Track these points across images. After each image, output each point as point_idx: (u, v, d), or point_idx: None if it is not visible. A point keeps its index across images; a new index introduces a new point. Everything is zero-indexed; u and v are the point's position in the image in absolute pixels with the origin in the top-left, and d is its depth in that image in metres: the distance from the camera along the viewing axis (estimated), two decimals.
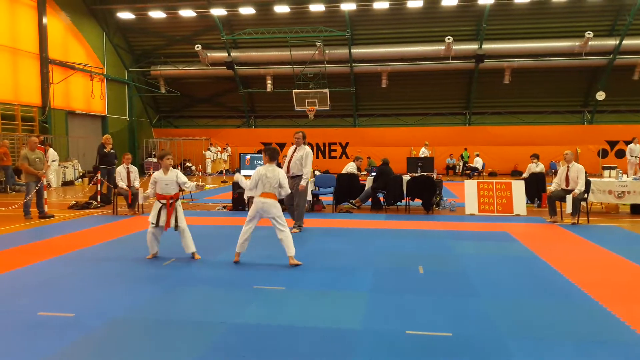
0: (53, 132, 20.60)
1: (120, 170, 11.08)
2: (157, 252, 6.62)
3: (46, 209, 10.64)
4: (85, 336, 3.90)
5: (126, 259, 6.55)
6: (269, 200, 6.09)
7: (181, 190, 6.82)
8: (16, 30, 19.03)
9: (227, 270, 5.98)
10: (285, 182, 6.20)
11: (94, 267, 6.11)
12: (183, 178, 6.58)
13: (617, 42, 22.99)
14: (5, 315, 4.38)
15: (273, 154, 6.26)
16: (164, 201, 6.41)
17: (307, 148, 8.53)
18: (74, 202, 12.22)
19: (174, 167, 7.18)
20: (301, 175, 8.41)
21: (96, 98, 23.61)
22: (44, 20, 20.12)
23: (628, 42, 22.98)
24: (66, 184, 19.33)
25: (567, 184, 9.67)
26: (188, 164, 27.33)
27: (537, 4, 22.42)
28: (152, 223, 6.40)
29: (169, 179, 6.46)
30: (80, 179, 20.39)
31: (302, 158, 8.39)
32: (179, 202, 6.61)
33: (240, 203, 11.50)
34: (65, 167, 19.68)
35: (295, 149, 8.58)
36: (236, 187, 11.63)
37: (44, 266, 6.18)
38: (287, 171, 8.32)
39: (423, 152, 23.45)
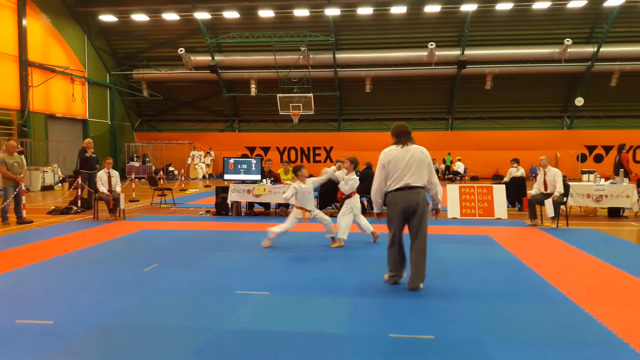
0: (32, 136, 20.27)
1: (102, 175, 10.95)
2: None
3: (24, 214, 10.45)
4: (65, 344, 3.84)
5: (107, 265, 6.46)
6: None
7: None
8: None
9: (210, 276, 5.94)
10: None
11: (74, 274, 6.02)
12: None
13: (595, 49, 23.50)
14: None
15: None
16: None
17: (415, 147, 5.40)
18: (53, 207, 12.03)
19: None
20: (423, 187, 5.37)
21: (77, 101, 23.32)
22: (24, 22, 19.81)
23: (606, 49, 23.51)
24: (45, 188, 19.00)
25: (546, 188, 9.88)
26: (171, 168, 27.08)
27: (518, 11, 22.81)
28: None
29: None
30: (60, 184, 20.07)
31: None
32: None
33: (223, 207, 11.41)
34: (44, 171, 19.35)
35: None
36: (220, 191, 11.56)
37: (22, 273, 6.07)
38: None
39: None
